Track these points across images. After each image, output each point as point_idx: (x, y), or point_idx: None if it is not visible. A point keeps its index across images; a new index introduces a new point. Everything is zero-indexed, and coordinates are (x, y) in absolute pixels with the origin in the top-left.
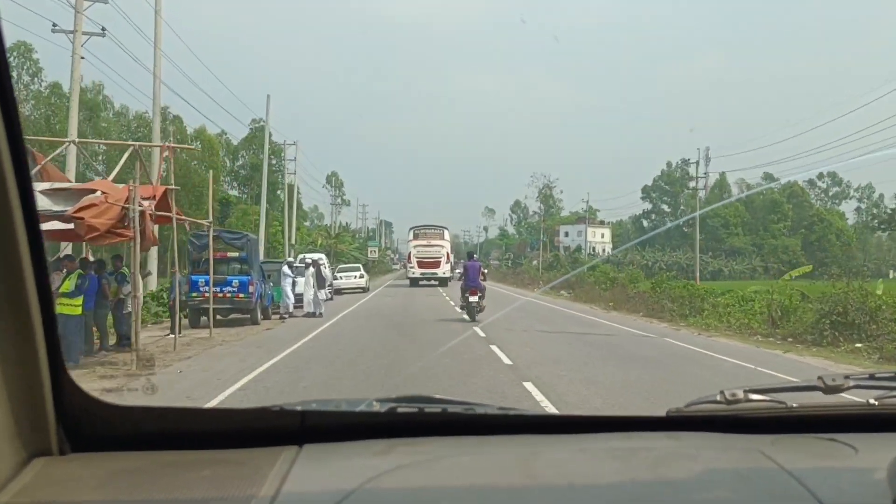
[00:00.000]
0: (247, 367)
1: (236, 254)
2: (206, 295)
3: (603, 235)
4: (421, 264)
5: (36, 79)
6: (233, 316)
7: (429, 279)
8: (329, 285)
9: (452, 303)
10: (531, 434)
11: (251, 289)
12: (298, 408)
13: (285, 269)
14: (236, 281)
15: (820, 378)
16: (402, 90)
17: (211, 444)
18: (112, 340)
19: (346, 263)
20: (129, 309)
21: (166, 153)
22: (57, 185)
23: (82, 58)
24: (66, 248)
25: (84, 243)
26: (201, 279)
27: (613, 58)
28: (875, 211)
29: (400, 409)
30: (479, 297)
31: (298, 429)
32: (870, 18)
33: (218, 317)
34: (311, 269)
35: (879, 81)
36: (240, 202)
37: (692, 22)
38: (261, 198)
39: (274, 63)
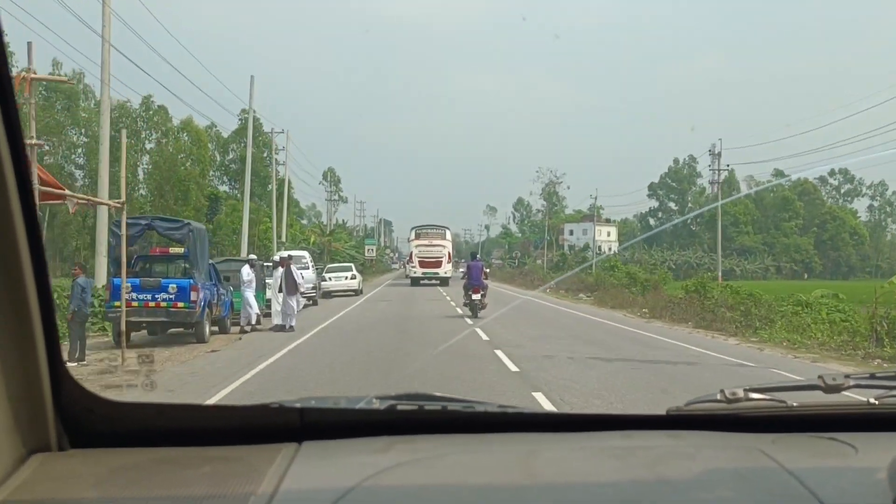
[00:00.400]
0: None
1: (180, 249)
2: (134, 304)
3: (609, 234)
4: (422, 263)
5: None
6: (175, 331)
7: (430, 278)
8: (313, 288)
9: (460, 310)
10: (531, 432)
11: (194, 296)
12: (297, 405)
13: (246, 270)
14: (174, 285)
15: (820, 377)
16: (403, 89)
17: (210, 441)
18: None
19: (337, 262)
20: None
21: (31, 97)
22: None
23: None
24: None
25: None
26: (132, 282)
27: (613, 57)
28: (888, 209)
29: (399, 407)
30: (482, 296)
31: (297, 426)
32: (870, 18)
33: (152, 333)
34: (280, 271)
35: (882, 80)
36: (230, 198)
37: (692, 21)
38: (244, 188)
39: (274, 63)
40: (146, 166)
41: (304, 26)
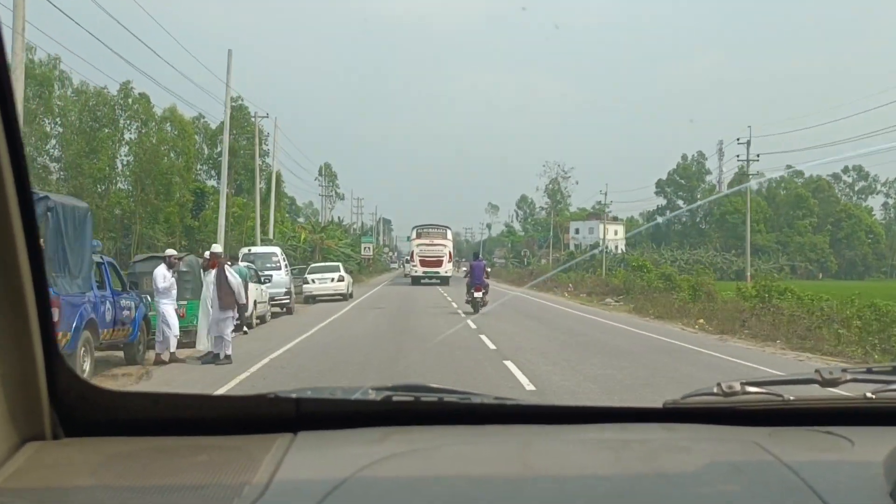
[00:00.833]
0: None
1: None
2: None
3: (616, 232)
4: (424, 263)
5: None
6: None
7: (431, 277)
8: (286, 294)
9: (473, 325)
10: (527, 424)
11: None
12: (293, 395)
13: (161, 272)
14: None
15: (817, 371)
16: (402, 88)
17: (205, 431)
18: None
19: (325, 262)
20: None
21: None
22: None
23: None
24: None
25: None
26: None
27: (614, 55)
28: None
29: (395, 398)
30: (483, 294)
31: (293, 416)
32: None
33: None
34: (211, 275)
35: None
36: (217, 193)
37: (693, 20)
38: (221, 176)
39: (273, 61)
40: (125, 158)
41: (303, 25)
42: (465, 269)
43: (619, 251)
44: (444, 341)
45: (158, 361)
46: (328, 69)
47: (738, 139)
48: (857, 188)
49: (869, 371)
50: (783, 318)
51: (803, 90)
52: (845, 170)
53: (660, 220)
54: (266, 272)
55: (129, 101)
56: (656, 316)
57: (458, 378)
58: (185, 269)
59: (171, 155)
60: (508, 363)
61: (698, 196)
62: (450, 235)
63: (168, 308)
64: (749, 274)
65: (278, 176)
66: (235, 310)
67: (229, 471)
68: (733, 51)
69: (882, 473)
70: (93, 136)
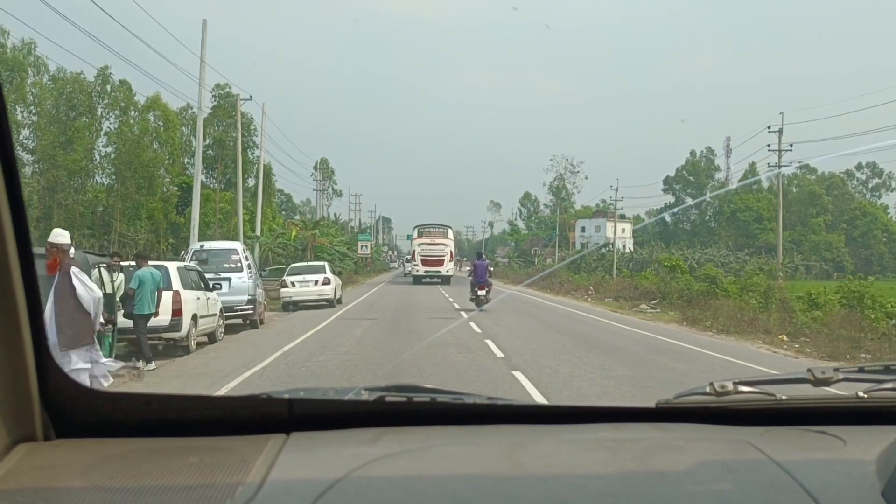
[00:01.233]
0: None
1: None
2: None
3: (623, 230)
4: (425, 262)
5: None
6: None
7: (432, 277)
8: (248, 303)
9: (500, 353)
10: (520, 424)
11: None
12: (286, 395)
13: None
14: None
15: (809, 370)
16: (402, 87)
17: (198, 432)
18: None
19: (317, 261)
20: None
21: None
22: None
23: None
24: None
25: None
26: None
27: (615, 52)
28: None
29: (388, 398)
30: (486, 292)
31: (286, 417)
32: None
33: None
34: (79, 279)
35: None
36: (205, 187)
37: (692, 19)
38: (195, 165)
39: (272, 60)
40: (103, 149)
41: (303, 24)
42: (468, 268)
43: (627, 250)
44: (462, 378)
45: None
46: (327, 67)
47: (768, 127)
48: (870, 185)
49: (861, 370)
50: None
51: (810, 86)
52: (858, 166)
53: (666, 216)
54: (222, 274)
55: (108, 87)
56: (719, 330)
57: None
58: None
59: (155, 146)
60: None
61: (707, 193)
62: (451, 235)
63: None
64: (781, 275)
65: (268, 169)
66: (92, 346)
67: (222, 472)
68: (736, 49)
69: (874, 472)
70: (68, 125)
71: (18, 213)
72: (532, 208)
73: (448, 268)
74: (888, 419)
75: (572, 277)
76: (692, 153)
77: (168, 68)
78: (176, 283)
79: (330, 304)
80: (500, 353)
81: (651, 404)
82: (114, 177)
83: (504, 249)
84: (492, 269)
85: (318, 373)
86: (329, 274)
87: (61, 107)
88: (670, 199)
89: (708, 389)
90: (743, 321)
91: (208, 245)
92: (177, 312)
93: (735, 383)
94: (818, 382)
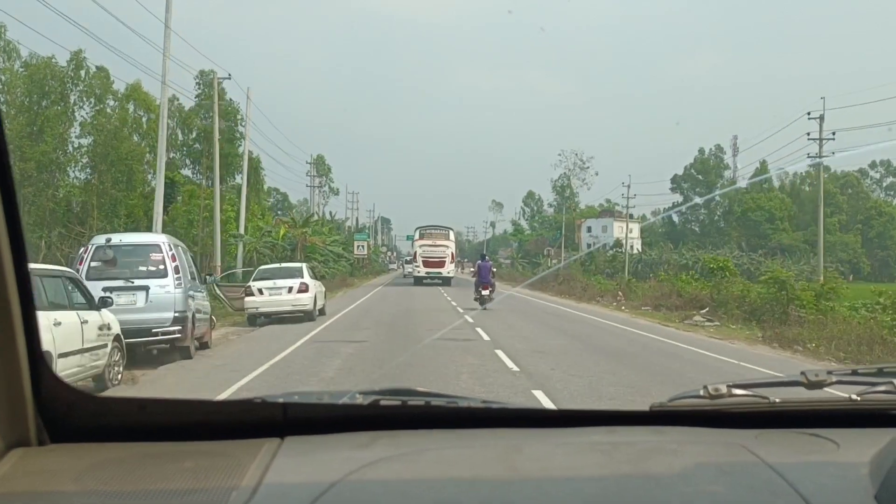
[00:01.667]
0: None
1: None
2: None
3: (631, 230)
4: (426, 263)
5: None
6: None
7: (433, 278)
8: (175, 321)
9: (542, 397)
10: (514, 428)
11: None
12: (280, 399)
13: None
14: None
15: (803, 373)
16: (402, 87)
17: (192, 436)
18: None
19: (307, 261)
20: None
21: None
22: None
23: None
24: None
25: None
26: None
27: (614, 53)
28: None
29: (383, 402)
30: (490, 291)
31: (281, 421)
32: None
33: None
34: None
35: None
36: (189, 182)
37: (692, 19)
38: (159, 153)
39: (273, 61)
40: (77, 140)
41: (302, 24)
42: (472, 269)
43: (635, 250)
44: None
45: None
46: (327, 67)
47: (808, 113)
48: (885, 184)
49: (854, 373)
50: None
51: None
52: (872, 164)
53: (673, 214)
54: (136, 281)
55: (82, 73)
56: (841, 357)
57: None
58: None
59: (135, 139)
60: None
61: (717, 191)
62: (452, 236)
63: None
64: (822, 276)
65: (256, 162)
66: None
67: (217, 476)
68: (739, 48)
69: (867, 475)
70: (39, 114)
71: (13, 218)
72: (536, 207)
73: (449, 269)
74: (881, 422)
75: (595, 281)
76: (701, 151)
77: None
78: None
79: (308, 316)
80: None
81: (645, 407)
82: (89, 171)
83: (507, 250)
84: (494, 270)
85: None
86: (307, 278)
87: (33, 94)
88: (678, 198)
89: (702, 392)
90: (873, 343)
91: (119, 239)
92: None
93: (729, 386)
94: (812, 385)
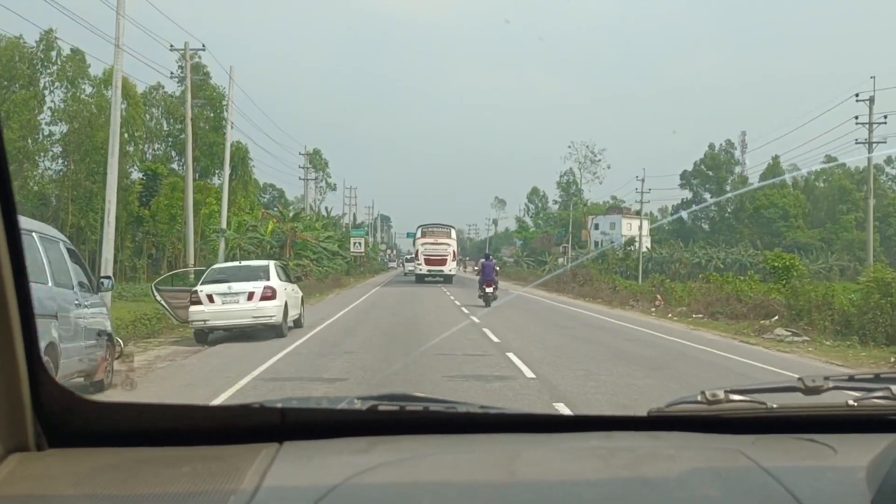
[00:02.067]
0: None
1: None
2: None
3: (641, 228)
4: (428, 261)
5: None
6: None
7: (435, 276)
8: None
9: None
10: (513, 433)
11: None
12: (279, 405)
13: None
14: None
15: (800, 379)
16: (402, 87)
17: (190, 441)
18: None
19: (297, 259)
20: None
21: None
22: None
23: None
24: None
25: None
26: None
27: (614, 53)
28: None
29: (381, 407)
30: (494, 289)
31: (279, 426)
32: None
33: None
34: None
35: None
36: (172, 175)
37: (692, 19)
38: (111, 139)
39: (273, 61)
40: (48, 128)
41: (302, 25)
42: (475, 268)
43: (644, 248)
44: None
45: None
46: (327, 67)
47: (856, 95)
48: None
49: (851, 379)
50: None
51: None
52: (888, 160)
53: (683, 214)
54: None
55: (53, 55)
56: None
57: None
58: None
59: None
60: None
61: (727, 189)
62: (454, 235)
63: None
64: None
65: (243, 152)
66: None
67: (214, 481)
68: (739, 48)
69: (864, 480)
70: (4, 98)
71: (10, 222)
72: (540, 204)
73: (450, 267)
74: (878, 427)
75: (624, 284)
76: (711, 146)
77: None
78: None
79: (277, 331)
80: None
81: (643, 412)
82: (62, 161)
83: (510, 249)
84: (498, 268)
85: None
86: (275, 281)
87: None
88: (687, 194)
89: (699, 398)
90: None
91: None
92: None
93: (726, 391)
94: (809, 391)
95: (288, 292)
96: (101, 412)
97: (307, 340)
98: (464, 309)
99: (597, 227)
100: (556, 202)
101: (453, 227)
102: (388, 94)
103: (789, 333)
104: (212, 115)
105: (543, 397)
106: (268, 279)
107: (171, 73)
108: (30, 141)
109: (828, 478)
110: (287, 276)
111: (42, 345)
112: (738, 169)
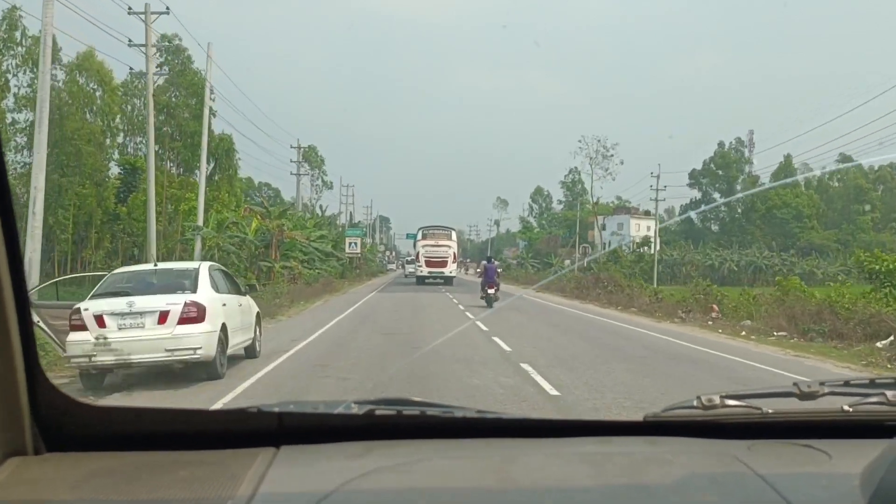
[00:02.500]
0: None
1: None
2: None
3: (649, 228)
4: (429, 263)
5: None
6: None
7: (435, 277)
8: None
9: None
10: (509, 438)
11: None
12: (276, 409)
13: None
14: None
15: (795, 384)
16: (402, 87)
17: (188, 445)
18: None
19: (268, 262)
20: None
21: None
22: None
23: None
24: None
25: None
26: None
27: (614, 53)
28: None
29: (378, 412)
30: (495, 290)
31: (276, 430)
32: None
33: None
34: None
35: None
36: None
37: (692, 19)
38: (36, 122)
39: (273, 61)
40: (10, 115)
41: (302, 25)
42: (478, 270)
43: (653, 250)
44: None
45: None
46: (327, 67)
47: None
48: None
49: (846, 384)
50: None
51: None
52: None
53: (694, 215)
54: None
55: (17, 35)
56: None
57: None
58: None
59: (88, 117)
60: None
61: (738, 189)
62: (454, 237)
63: None
64: None
65: (228, 143)
66: None
67: (212, 486)
68: (740, 48)
69: (858, 486)
70: None
71: (8, 226)
72: (545, 204)
73: (451, 269)
74: (873, 433)
75: (656, 291)
76: (720, 144)
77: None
78: None
79: (208, 371)
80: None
81: (639, 417)
82: (27, 152)
83: (512, 250)
84: (499, 270)
85: None
86: (204, 292)
87: None
88: (696, 194)
89: (695, 403)
90: None
91: None
92: None
93: (722, 397)
94: (804, 396)
95: (229, 310)
96: (98, 416)
97: (255, 384)
98: (481, 325)
99: (604, 227)
100: (560, 202)
101: (454, 230)
102: (388, 94)
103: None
104: (194, 102)
105: None
106: (193, 290)
107: (130, 40)
108: None
109: (822, 484)
110: (232, 284)
111: None
112: (748, 168)
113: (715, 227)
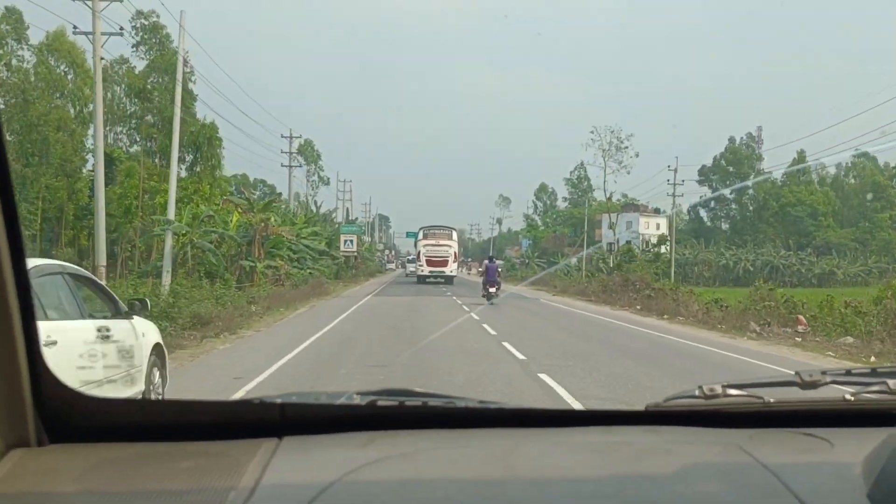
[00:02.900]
0: None
1: None
2: None
3: (658, 226)
4: (430, 262)
5: None
6: None
7: (436, 277)
8: None
9: None
10: (511, 428)
11: None
12: (278, 400)
13: None
14: None
15: (797, 373)
16: (403, 87)
17: (191, 436)
18: None
19: (254, 261)
20: None
21: None
22: None
23: None
24: None
25: None
26: None
27: (614, 53)
28: None
29: (380, 402)
30: (496, 289)
31: (278, 421)
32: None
33: None
34: None
35: None
36: (131, 158)
37: (692, 19)
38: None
39: (273, 60)
40: None
41: (302, 25)
42: (479, 269)
43: (663, 249)
44: None
45: None
46: (327, 67)
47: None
48: None
49: (848, 373)
50: None
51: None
52: None
53: (705, 213)
54: None
55: None
56: None
57: None
58: None
59: (58, 101)
60: None
61: (750, 185)
62: (455, 237)
63: None
64: None
65: (211, 130)
66: None
67: (215, 476)
68: (739, 48)
69: (860, 474)
70: None
71: (10, 217)
72: (549, 202)
73: (452, 268)
74: (874, 421)
75: (716, 298)
76: (731, 140)
77: None
78: None
79: None
80: None
81: (641, 406)
82: None
83: (514, 249)
84: (500, 270)
85: None
86: None
87: None
88: (706, 191)
89: (697, 392)
90: None
91: None
92: None
93: (724, 386)
94: (806, 385)
95: (71, 347)
96: (101, 407)
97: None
98: (507, 345)
99: (610, 225)
100: (565, 199)
101: (454, 229)
102: (388, 94)
103: None
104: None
105: None
106: None
107: (75, 27)
108: None
109: (824, 472)
110: (93, 301)
111: None
112: (760, 164)
113: (725, 226)
